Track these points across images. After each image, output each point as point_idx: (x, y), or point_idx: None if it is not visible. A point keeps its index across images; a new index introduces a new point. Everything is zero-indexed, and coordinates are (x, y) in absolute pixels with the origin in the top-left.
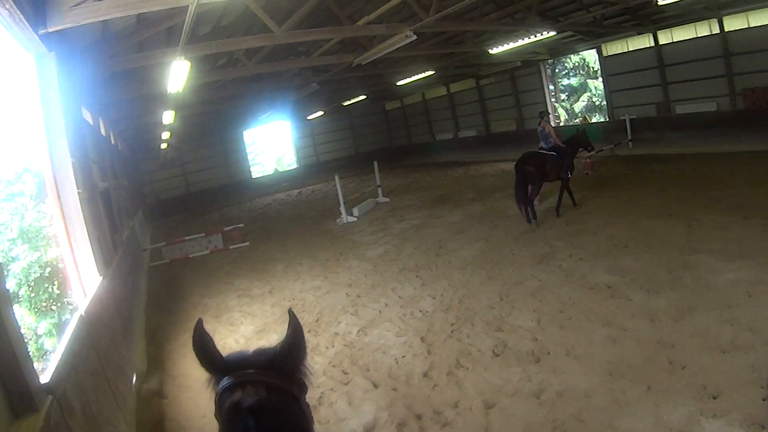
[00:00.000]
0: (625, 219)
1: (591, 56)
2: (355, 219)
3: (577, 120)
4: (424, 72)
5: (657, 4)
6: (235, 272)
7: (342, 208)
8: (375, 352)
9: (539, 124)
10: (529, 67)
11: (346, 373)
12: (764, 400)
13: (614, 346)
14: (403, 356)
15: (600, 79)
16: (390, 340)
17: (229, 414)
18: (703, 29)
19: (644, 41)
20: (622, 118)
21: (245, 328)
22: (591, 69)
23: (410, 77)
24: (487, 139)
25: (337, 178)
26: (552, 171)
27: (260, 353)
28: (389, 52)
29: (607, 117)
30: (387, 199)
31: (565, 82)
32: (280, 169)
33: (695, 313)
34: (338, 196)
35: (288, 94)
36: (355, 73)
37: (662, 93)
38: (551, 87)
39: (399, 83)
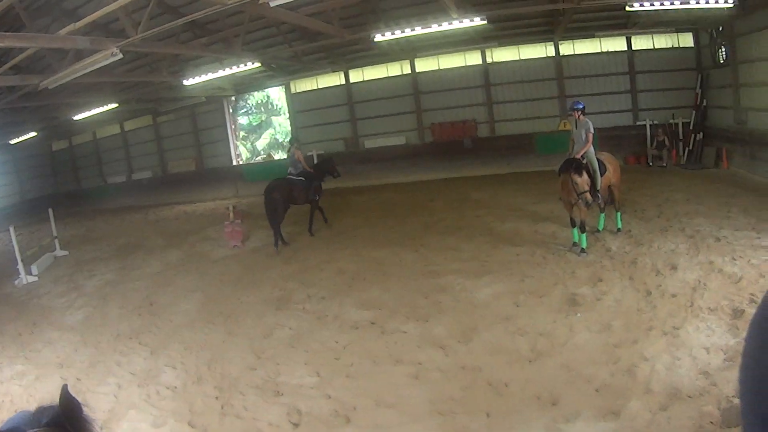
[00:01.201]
0: (346, 252)
1: (274, 93)
2: (36, 278)
3: (260, 158)
4: (107, 104)
5: (375, 41)
6: None
7: (20, 266)
8: None
9: (289, 150)
10: (212, 104)
11: None
12: (597, 390)
13: (421, 383)
14: None
15: (284, 115)
16: None
17: None
18: (395, 69)
19: (335, 79)
20: (309, 153)
21: None
22: (274, 106)
23: (92, 110)
24: (164, 181)
25: (12, 230)
26: (300, 195)
27: (42, 412)
28: (85, 73)
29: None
30: (66, 253)
31: (244, 120)
32: None
33: (480, 331)
34: (12, 252)
35: None
36: (32, 102)
37: (351, 128)
38: (233, 124)
39: (77, 118)
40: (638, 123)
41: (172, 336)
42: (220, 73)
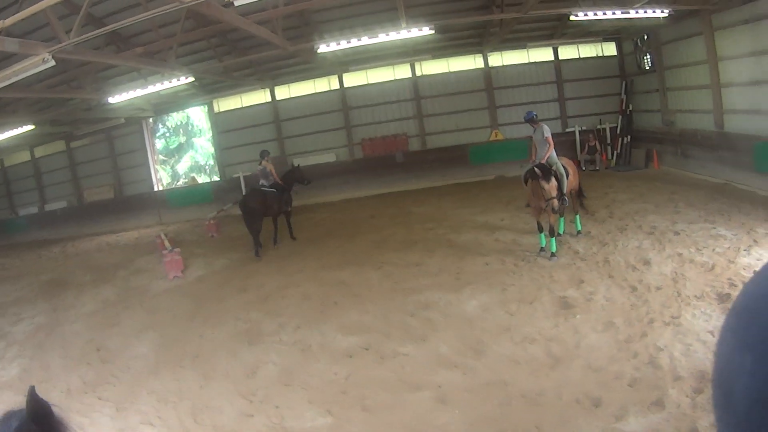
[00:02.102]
0: (303, 275)
1: (195, 114)
2: None
3: (181, 182)
4: (22, 126)
5: (318, 53)
6: None
7: None
8: None
9: (260, 164)
10: (130, 126)
11: None
12: (631, 386)
13: (451, 406)
14: None
15: (204, 137)
16: None
17: None
18: (322, 85)
19: (260, 97)
20: (236, 176)
21: None
22: (194, 127)
23: (4, 133)
24: (81, 211)
25: None
26: (273, 205)
27: (11, 416)
28: (6, 86)
29: (218, 176)
30: None
31: (160, 143)
32: None
33: (487, 344)
34: None
35: None
36: None
37: (279, 147)
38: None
39: None
40: (567, 130)
41: (136, 386)
42: (150, 90)
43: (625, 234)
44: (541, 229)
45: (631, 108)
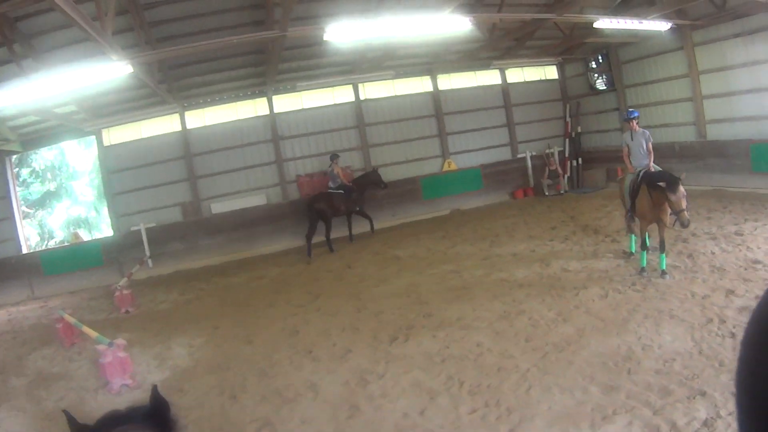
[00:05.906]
0: (358, 354)
1: (70, 150)
2: None
3: (56, 241)
4: None
5: (325, 40)
6: None
7: None
8: None
9: (329, 166)
10: None
11: None
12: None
13: None
14: None
15: (84, 180)
16: None
17: None
18: (246, 110)
19: (166, 124)
20: (135, 228)
21: None
22: (69, 168)
23: None
24: None
25: None
26: (341, 206)
27: (134, 410)
28: None
29: (110, 230)
30: None
31: (21, 191)
32: None
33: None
34: None
35: None
36: None
37: (191, 189)
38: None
39: None
40: (519, 155)
41: None
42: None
43: (691, 242)
44: (644, 247)
45: (579, 130)
